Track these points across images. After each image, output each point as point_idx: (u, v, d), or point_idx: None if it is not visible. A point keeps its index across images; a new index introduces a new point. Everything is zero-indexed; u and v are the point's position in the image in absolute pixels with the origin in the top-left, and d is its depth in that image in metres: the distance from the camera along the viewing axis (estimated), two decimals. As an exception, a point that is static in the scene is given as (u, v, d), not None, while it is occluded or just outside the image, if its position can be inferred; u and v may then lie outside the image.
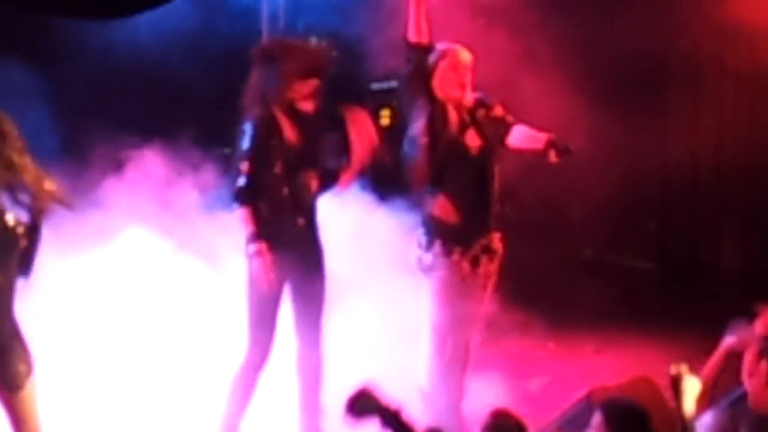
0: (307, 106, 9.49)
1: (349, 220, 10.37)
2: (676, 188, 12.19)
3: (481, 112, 9.70)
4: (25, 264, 7.81)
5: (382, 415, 6.21)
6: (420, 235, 9.81)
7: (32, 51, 9.88)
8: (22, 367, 7.94)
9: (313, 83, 9.43)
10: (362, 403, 6.28)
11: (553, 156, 9.47)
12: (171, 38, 10.17)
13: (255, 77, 9.61)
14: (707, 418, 8.01)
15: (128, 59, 10.29)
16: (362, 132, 9.57)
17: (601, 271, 11.60)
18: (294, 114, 9.49)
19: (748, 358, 8.31)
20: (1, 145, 7.75)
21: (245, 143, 9.42)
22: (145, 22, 9.65)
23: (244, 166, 9.41)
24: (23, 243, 7.83)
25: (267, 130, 9.40)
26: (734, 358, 8.66)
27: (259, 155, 9.35)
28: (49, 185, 7.77)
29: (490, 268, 9.80)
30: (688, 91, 11.95)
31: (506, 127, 9.69)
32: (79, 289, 9.00)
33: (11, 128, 7.79)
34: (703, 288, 10.38)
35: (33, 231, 7.81)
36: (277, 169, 9.40)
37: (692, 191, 12.18)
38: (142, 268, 10.30)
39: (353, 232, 10.54)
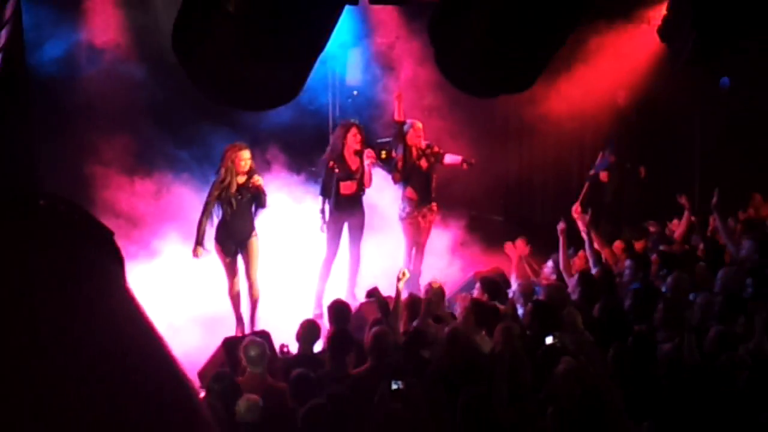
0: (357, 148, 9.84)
1: (372, 194, 10.37)
2: (512, 182, 12.41)
3: (428, 150, 10.25)
4: (260, 206, 8.99)
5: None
6: (400, 205, 10.42)
7: (231, 122, 10.12)
8: (249, 232, 9.19)
9: (359, 138, 9.85)
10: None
11: (464, 167, 10.21)
12: (281, 123, 10.40)
13: (335, 137, 10.14)
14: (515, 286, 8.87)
15: (267, 130, 10.51)
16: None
17: (480, 222, 11.79)
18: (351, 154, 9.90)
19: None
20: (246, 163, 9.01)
21: (322, 167, 10.04)
22: (271, 114, 9.61)
23: (322, 177, 10.06)
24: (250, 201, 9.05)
25: (335, 160, 9.83)
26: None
27: (328, 172, 9.83)
28: (259, 181, 9.07)
29: (431, 219, 10.48)
30: (516, 135, 12.31)
31: (441, 156, 10.26)
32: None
33: (245, 155, 8.99)
34: (526, 230, 10.88)
35: (259, 197, 9.01)
36: (338, 176, 9.85)
37: (520, 184, 12.50)
38: (283, 213, 10.24)
39: (375, 200, 10.60)
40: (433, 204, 10.56)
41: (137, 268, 9.00)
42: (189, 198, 10.28)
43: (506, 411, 5.58)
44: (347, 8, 5.24)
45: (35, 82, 9.25)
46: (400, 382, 5.85)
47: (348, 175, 9.92)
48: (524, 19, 3.97)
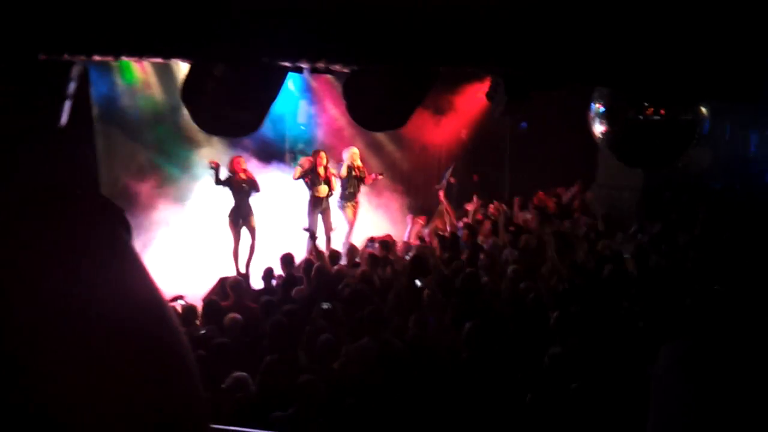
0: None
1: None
2: (404, 181, 11.66)
3: (359, 169, 9.80)
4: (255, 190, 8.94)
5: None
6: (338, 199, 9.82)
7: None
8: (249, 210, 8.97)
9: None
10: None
11: (378, 178, 9.89)
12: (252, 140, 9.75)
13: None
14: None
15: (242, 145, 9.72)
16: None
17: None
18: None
19: None
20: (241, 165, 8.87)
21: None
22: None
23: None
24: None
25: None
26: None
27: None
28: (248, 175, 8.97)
29: (356, 209, 9.95)
30: (407, 151, 11.86)
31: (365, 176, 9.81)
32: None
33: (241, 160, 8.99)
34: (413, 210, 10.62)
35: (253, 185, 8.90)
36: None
37: (408, 181, 11.91)
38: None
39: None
40: (357, 199, 10.10)
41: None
42: (191, 181, 9.81)
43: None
44: (296, 75, 5.12)
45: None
46: (328, 303, 5.70)
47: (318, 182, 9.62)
48: (393, 94, 4.03)
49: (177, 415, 0.85)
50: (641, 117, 5.04)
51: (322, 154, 9.64)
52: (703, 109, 5.07)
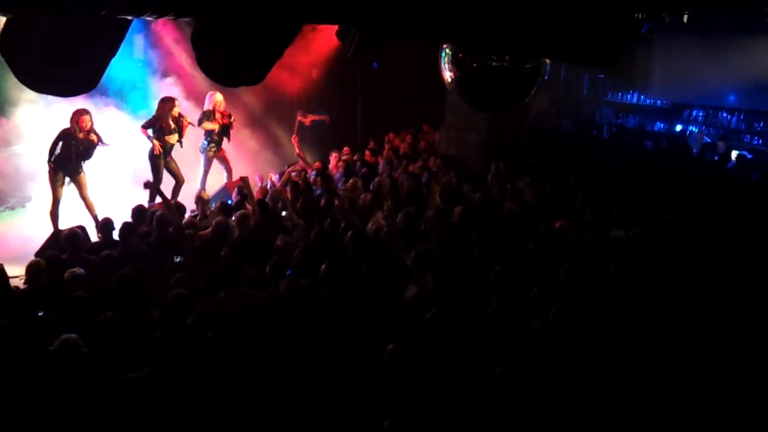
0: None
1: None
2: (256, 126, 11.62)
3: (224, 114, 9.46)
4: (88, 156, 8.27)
5: None
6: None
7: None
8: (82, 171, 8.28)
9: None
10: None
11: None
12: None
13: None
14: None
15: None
16: None
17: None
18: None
19: None
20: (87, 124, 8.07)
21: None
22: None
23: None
24: None
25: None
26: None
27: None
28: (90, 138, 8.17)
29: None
30: (262, 96, 11.49)
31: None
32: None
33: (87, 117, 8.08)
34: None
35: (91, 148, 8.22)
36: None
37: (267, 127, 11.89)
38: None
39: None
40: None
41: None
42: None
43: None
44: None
45: None
46: (180, 257, 5.53)
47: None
48: (249, 48, 3.75)
49: None
50: (487, 64, 5.23)
51: (176, 102, 9.11)
52: (546, 57, 5.36)
